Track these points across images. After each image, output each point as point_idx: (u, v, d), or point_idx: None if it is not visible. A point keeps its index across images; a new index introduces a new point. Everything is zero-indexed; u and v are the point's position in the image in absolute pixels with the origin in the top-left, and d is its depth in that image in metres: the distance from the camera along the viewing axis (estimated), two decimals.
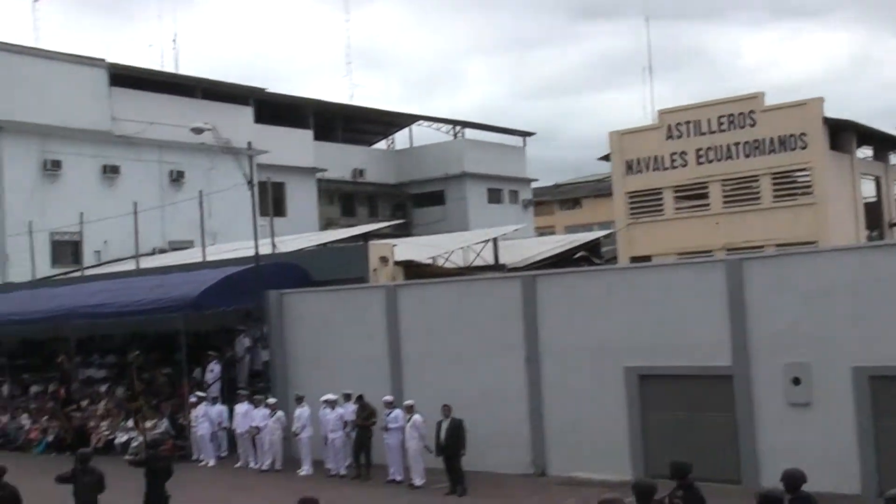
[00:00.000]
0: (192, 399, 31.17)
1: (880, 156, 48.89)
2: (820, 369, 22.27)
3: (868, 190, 47.49)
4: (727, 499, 12.61)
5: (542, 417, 26.15)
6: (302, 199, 60.90)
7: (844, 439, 21.82)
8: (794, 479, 13.50)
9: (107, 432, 32.96)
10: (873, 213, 47.05)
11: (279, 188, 56.99)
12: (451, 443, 24.49)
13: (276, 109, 60.76)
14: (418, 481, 25.35)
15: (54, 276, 45.95)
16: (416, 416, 25.64)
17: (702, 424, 23.85)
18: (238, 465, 29.72)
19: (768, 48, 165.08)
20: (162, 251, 50.21)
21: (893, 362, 21.32)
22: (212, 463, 30.25)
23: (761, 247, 37.97)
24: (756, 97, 42.69)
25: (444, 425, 24.74)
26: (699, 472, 23.01)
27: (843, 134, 43.73)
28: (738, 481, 22.68)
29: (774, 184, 42.18)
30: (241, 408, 29.68)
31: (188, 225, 47.69)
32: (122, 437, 32.27)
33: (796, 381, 22.55)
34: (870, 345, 21.66)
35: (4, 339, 40.75)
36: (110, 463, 22.73)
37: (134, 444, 30.00)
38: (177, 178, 53.14)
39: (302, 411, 28.42)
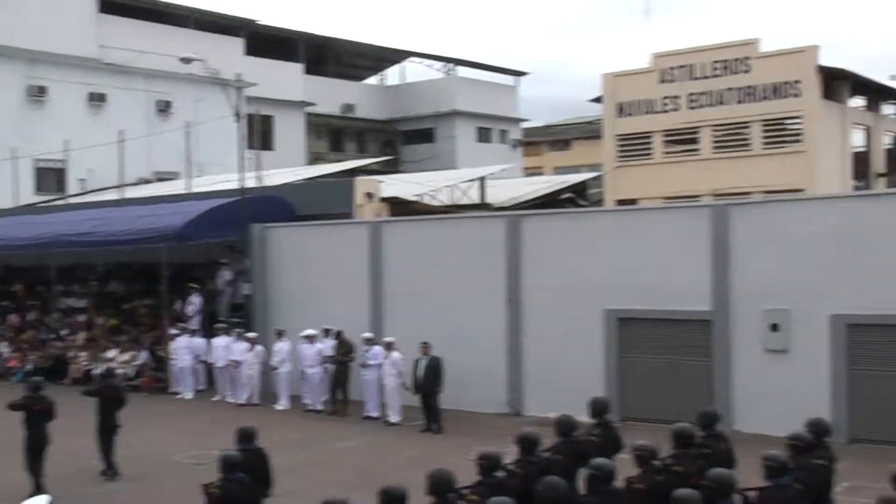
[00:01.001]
0: (173, 331, 31.10)
1: (872, 106, 48.62)
2: (799, 316, 22.32)
3: (858, 140, 47.29)
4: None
5: (520, 358, 26.18)
6: (290, 133, 60.57)
7: (818, 386, 21.92)
8: (707, 418, 13.84)
9: (85, 363, 32.87)
10: (862, 163, 46.90)
11: (267, 121, 56.70)
12: (429, 381, 24.51)
13: (267, 42, 60.21)
14: (394, 418, 25.38)
15: (38, 203, 45.65)
16: (395, 354, 25.62)
17: (679, 368, 23.93)
18: (215, 398, 29.72)
19: None
20: (147, 181, 49.91)
21: (871, 311, 21.36)
22: (189, 396, 30.24)
23: (749, 193, 37.81)
24: (751, 43, 42.27)
25: (423, 363, 24.73)
26: (674, 414, 23.31)
27: (836, 83, 43.44)
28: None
29: (765, 131, 41.93)
30: (221, 341, 29.64)
31: (174, 156, 47.44)
32: (99, 369, 32.17)
33: (774, 328, 22.61)
34: (849, 293, 21.70)
35: None
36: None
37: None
38: (164, 108, 52.75)
39: (281, 346, 28.40)
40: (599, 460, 11.47)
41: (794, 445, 12.37)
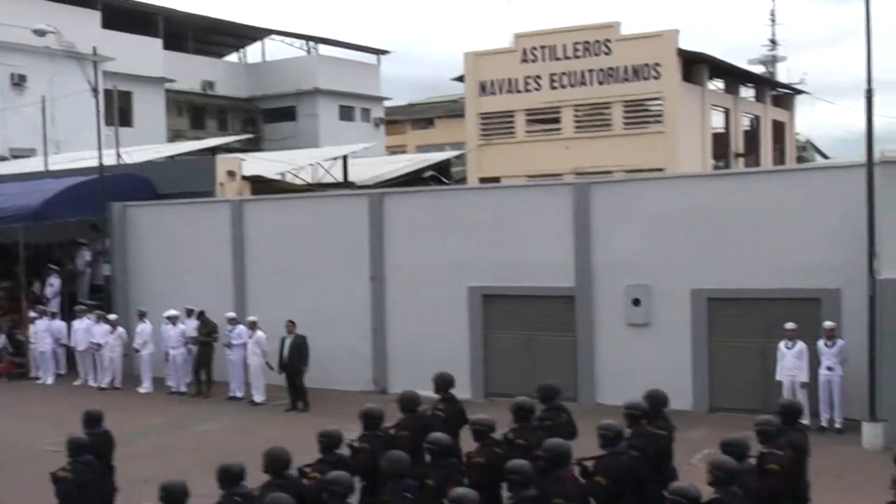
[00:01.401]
0: (31, 314, 30.27)
1: (731, 89, 49.77)
2: (660, 291, 22.80)
3: (717, 121, 48.38)
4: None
5: (384, 336, 26.22)
6: (149, 109, 59.27)
7: (680, 358, 22.50)
8: (547, 391, 14.22)
9: None
10: (721, 144, 48.01)
11: (126, 97, 55.38)
12: (294, 359, 24.40)
13: (124, 15, 58.72)
14: (259, 398, 25.23)
15: None
16: (259, 333, 25.43)
17: (543, 344, 24.21)
18: (77, 382, 29.05)
19: None
20: (2, 159, 48.46)
21: (730, 286, 21.91)
22: (50, 381, 29.48)
23: (610, 172, 38.36)
24: (612, 26, 42.83)
25: (288, 342, 24.61)
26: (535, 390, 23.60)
27: (695, 66, 44.32)
28: (574, 399, 23.10)
29: (626, 111, 42.62)
30: (82, 324, 28.92)
31: (30, 132, 45.98)
32: None
33: (636, 303, 23.03)
34: (709, 269, 22.23)
35: None
36: None
37: None
38: (18, 81, 50.99)
39: (143, 327, 27.90)
40: (436, 435, 11.76)
41: (631, 414, 12.78)
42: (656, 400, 13.39)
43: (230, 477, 10.49)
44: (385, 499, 10.77)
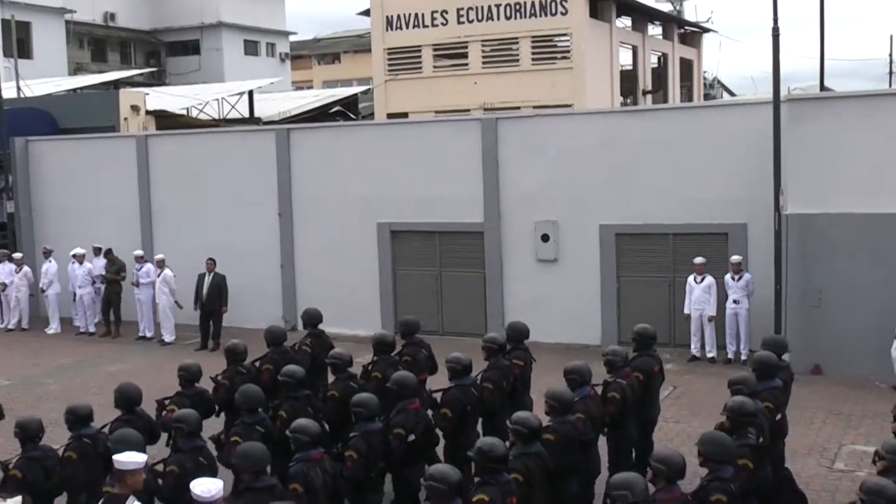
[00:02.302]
0: None
1: (638, 26, 50.02)
2: (568, 227, 22.96)
3: (625, 58, 48.65)
4: (471, 352, 13.32)
5: (293, 273, 26.12)
6: (50, 41, 57.82)
7: (589, 293, 22.77)
8: (407, 326, 14.91)
9: None
10: (629, 81, 48.32)
11: (24, 28, 53.96)
12: (213, 298, 24.19)
13: None
14: (168, 337, 25.04)
15: None
16: (167, 271, 25.16)
17: (452, 280, 24.32)
18: None
19: None
20: None
21: (638, 220, 22.18)
22: None
23: (518, 108, 38.47)
24: None
25: (207, 280, 24.40)
26: (447, 326, 23.78)
27: (603, 2, 44.43)
28: (483, 335, 23.24)
29: (534, 47, 42.64)
30: None
31: None
32: None
33: (545, 238, 23.17)
34: (617, 204, 22.43)
35: None
36: None
37: None
38: None
39: (49, 266, 27.34)
40: (290, 367, 12.38)
41: (488, 348, 13.39)
42: (516, 332, 13.97)
43: (77, 418, 10.77)
44: (237, 431, 11.12)
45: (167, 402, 12.29)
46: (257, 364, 14.15)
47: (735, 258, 20.73)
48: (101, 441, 10.62)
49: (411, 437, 11.09)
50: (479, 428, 12.72)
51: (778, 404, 11.83)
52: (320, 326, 15.87)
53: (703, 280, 21.01)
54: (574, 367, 11.69)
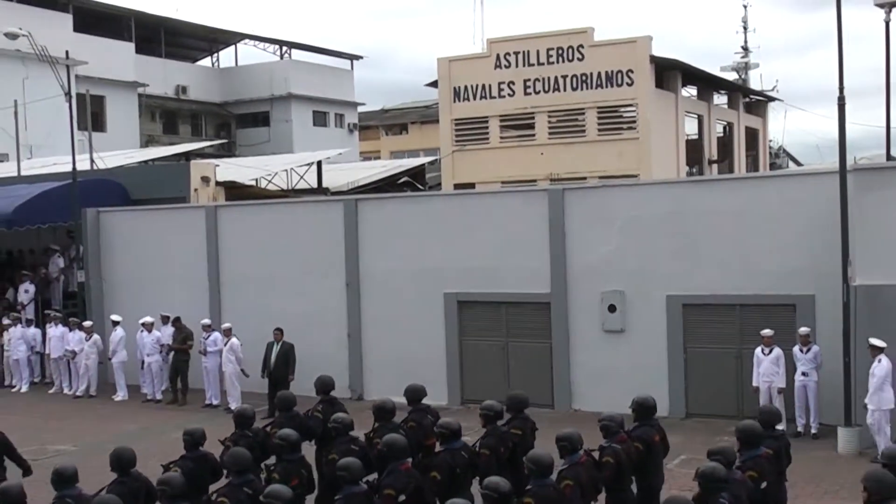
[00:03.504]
0: (6, 321, 30.08)
1: (704, 95, 49.98)
2: (635, 297, 22.86)
3: (691, 128, 48.55)
4: (538, 423, 13.40)
5: (360, 342, 26.23)
6: (122, 114, 59.05)
7: (656, 364, 22.59)
8: (413, 393, 15.37)
9: None
10: (694, 150, 48.17)
11: (99, 102, 55.17)
12: (280, 367, 24.30)
13: (96, 19, 58.54)
14: (234, 405, 25.08)
15: None
16: (234, 340, 25.39)
17: (518, 350, 24.26)
18: (52, 390, 28.98)
19: None
20: None
21: (704, 291, 22.01)
22: (25, 388, 29.40)
23: (585, 178, 38.47)
24: (585, 32, 42.90)
25: (275, 349, 24.56)
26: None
27: (668, 73, 44.46)
28: (551, 405, 23.20)
29: (600, 117, 42.67)
30: (56, 331, 28.77)
31: (2, 137, 45.75)
32: None
33: (612, 309, 23.08)
34: (683, 275, 22.31)
35: None
36: None
37: None
38: None
39: (118, 334, 27.74)
40: (285, 431, 12.78)
41: (486, 415, 13.73)
42: (515, 402, 14.40)
43: (63, 479, 11.03)
44: (224, 491, 11.38)
45: (171, 465, 12.64)
46: (267, 428, 14.60)
47: (803, 330, 20.47)
48: (84, 501, 10.90)
49: (402, 498, 11.30)
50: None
51: (763, 473, 11.84)
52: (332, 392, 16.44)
53: (771, 352, 20.73)
54: (565, 435, 11.86)
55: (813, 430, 20.38)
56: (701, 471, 10.52)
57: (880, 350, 18.54)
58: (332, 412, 15.27)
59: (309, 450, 14.36)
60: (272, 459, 13.13)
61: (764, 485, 11.75)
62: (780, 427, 13.43)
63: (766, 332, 20.78)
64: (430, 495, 12.07)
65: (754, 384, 20.97)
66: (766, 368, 20.74)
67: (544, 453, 11.18)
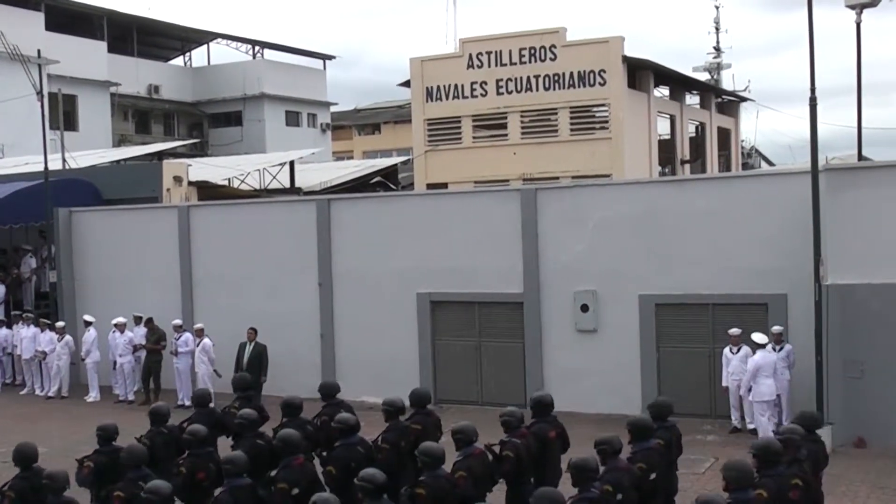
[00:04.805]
0: None
1: (676, 96, 50.16)
2: (607, 297, 22.93)
3: (663, 128, 48.69)
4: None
5: (333, 342, 26.19)
6: (95, 113, 58.68)
7: (628, 363, 22.66)
8: (328, 388, 16.18)
9: None
10: (667, 150, 48.33)
11: (71, 101, 54.83)
12: (254, 369, 24.20)
13: (67, 17, 58.16)
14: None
15: None
16: (206, 340, 25.39)
17: (492, 350, 24.29)
18: (24, 391, 28.85)
19: None
20: None
21: (677, 290, 22.11)
22: None
23: (557, 178, 38.55)
24: (558, 32, 42.92)
25: (248, 349, 24.53)
26: (486, 396, 23.72)
27: (641, 73, 44.59)
28: (524, 405, 23.14)
29: (572, 117, 42.72)
30: (28, 331, 28.58)
31: None
32: None
33: (584, 308, 23.14)
34: (656, 274, 22.41)
35: None
36: None
37: None
38: None
39: (90, 335, 27.62)
40: (194, 427, 13.35)
41: (386, 411, 14.26)
42: (417, 397, 15.01)
43: (24, 458, 11.86)
44: (120, 486, 11.77)
45: (85, 459, 13.26)
46: (183, 425, 14.92)
47: (776, 329, 20.61)
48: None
49: (295, 492, 11.75)
50: None
51: (652, 464, 12.16)
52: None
53: (738, 351, 20.82)
54: (460, 428, 12.43)
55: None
56: (573, 462, 10.84)
57: (760, 346, 19.84)
58: (256, 407, 16.35)
59: (224, 444, 15.09)
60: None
61: (653, 476, 12.10)
62: (670, 419, 13.65)
63: (734, 331, 20.91)
64: (324, 489, 12.40)
65: (724, 384, 21.09)
66: (735, 367, 20.81)
67: (436, 445, 11.79)
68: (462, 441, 12.29)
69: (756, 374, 19.81)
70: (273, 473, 12.45)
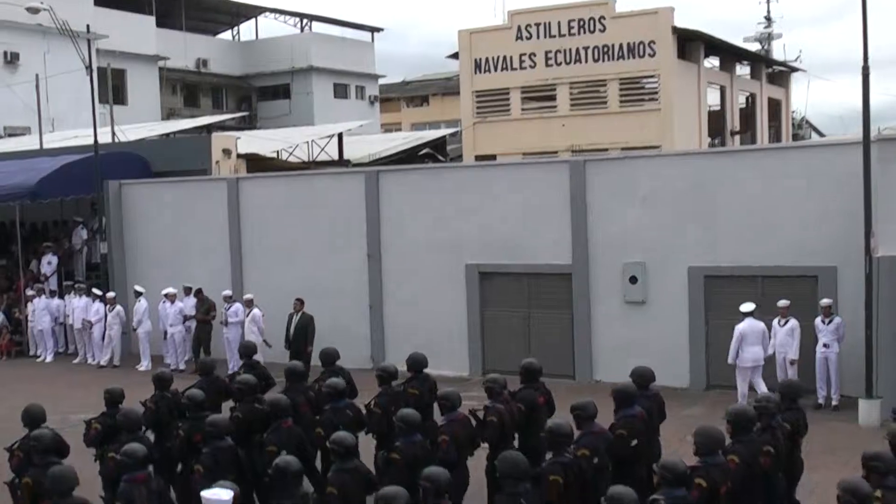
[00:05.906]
0: (29, 293, 30.33)
1: (726, 66, 49.70)
2: (656, 269, 22.82)
3: (713, 99, 48.33)
4: (558, 393, 13.60)
5: (381, 313, 26.27)
6: (144, 87, 59.14)
7: (677, 336, 22.54)
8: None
9: None
10: (717, 122, 47.97)
11: (120, 75, 55.26)
12: (299, 339, 24.38)
13: None
14: None
15: None
16: (256, 311, 25.52)
17: (540, 321, 24.27)
18: (76, 360, 29.22)
19: None
20: None
21: (727, 263, 21.97)
22: (49, 358, 29.63)
23: (606, 149, 38.39)
24: (607, 3, 42.62)
25: (295, 319, 24.67)
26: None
27: (691, 43, 44.23)
28: (572, 376, 23.25)
29: (622, 89, 42.54)
30: (79, 302, 28.96)
31: (24, 111, 45.91)
32: None
33: (633, 280, 23.05)
34: (705, 246, 22.26)
35: None
36: None
37: None
38: (11, 59, 50.80)
39: (141, 305, 27.91)
40: (191, 392, 13.88)
41: (379, 376, 14.86)
42: (414, 363, 15.34)
43: (33, 419, 12.07)
44: (114, 450, 12.11)
45: (93, 421, 13.80)
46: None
47: (825, 301, 20.39)
48: None
49: (283, 453, 11.90)
50: None
51: (634, 431, 12.31)
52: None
53: (786, 323, 20.59)
54: (445, 394, 12.99)
55: (834, 402, 20.33)
56: (547, 426, 11.12)
57: (747, 314, 20.29)
58: (262, 375, 16.76)
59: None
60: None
61: (634, 442, 12.24)
62: (651, 386, 13.97)
63: (782, 302, 20.64)
64: (312, 450, 13.28)
65: (769, 353, 20.89)
66: (781, 339, 20.60)
67: (413, 412, 12.30)
68: (446, 407, 12.81)
69: (741, 341, 20.19)
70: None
